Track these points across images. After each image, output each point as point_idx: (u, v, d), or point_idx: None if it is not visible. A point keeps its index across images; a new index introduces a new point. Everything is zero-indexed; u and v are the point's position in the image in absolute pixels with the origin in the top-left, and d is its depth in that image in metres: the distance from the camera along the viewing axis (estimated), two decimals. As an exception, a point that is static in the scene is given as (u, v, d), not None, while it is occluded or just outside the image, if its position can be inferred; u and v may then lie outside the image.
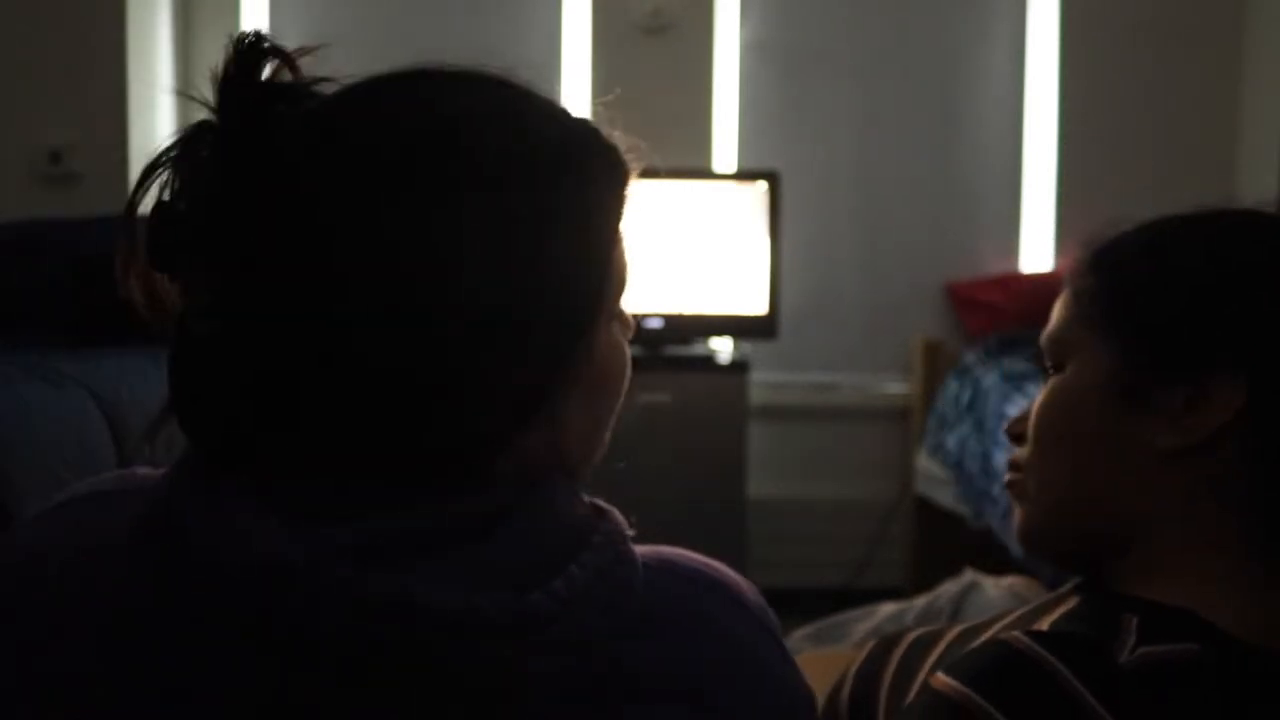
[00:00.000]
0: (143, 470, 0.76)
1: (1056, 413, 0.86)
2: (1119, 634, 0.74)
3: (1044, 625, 0.80)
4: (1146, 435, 0.81)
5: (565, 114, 0.71)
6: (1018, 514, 0.89)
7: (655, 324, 3.35)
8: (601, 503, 0.70)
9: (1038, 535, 0.87)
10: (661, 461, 3.23)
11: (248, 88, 0.67)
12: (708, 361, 3.39)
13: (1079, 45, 3.85)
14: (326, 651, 0.60)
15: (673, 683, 0.66)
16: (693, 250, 3.36)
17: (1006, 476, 0.90)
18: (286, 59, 0.68)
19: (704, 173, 3.63)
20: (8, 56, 3.21)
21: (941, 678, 0.72)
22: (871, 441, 3.88)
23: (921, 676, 0.85)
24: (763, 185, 3.39)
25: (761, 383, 3.62)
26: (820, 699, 0.89)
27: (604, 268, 0.69)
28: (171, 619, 0.63)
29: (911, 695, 0.84)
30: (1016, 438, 0.90)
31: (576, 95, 3.72)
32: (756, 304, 3.37)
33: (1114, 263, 0.87)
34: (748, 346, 3.51)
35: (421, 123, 0.66)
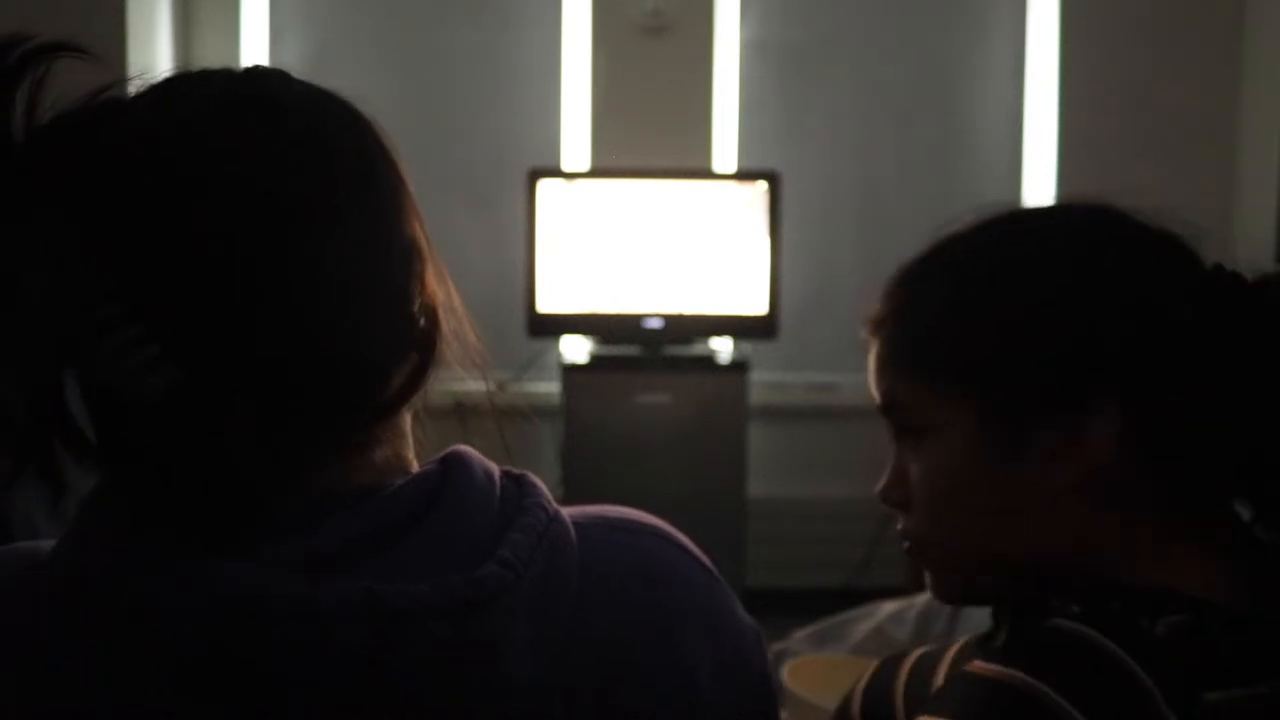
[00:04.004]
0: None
1: (941, 482, 0.83)
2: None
3: None
4: (1034, 477, 0.79)
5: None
6: (929, 577, 0.86)
7: (655, 324, 3.35)
8: (514, 470, 0.70)
9: (962, 595, 0.86)
10: (661, 461, 3.24)
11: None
12: (708, 361, 3.39)
13: (1079, 45, 3.84)
14: (303, 670, 0.59)
15: (634, 632, 0.68)
16: (693, 250, 3.36)
17: (905, 545, 0.87)
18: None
19: (704, 173, 3.63)
20: (8, 56, 3.21)
21: (985, 665, 0.70)
22: (871, 441, 3.85)
23: (935, 684, 0.84)
24: (763, 185, 3.39)
25: (761, 383, 3.62)
26: (818, 699, 0.90)
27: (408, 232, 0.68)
28: (132, 673, 0.60)
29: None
30: (898, 504, 0.87)
31: (576, 95, 3.72)
32: (756, 304, 3.37)
33: (932, 327, 0.89)
34: (748, 346, 3.51)
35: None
